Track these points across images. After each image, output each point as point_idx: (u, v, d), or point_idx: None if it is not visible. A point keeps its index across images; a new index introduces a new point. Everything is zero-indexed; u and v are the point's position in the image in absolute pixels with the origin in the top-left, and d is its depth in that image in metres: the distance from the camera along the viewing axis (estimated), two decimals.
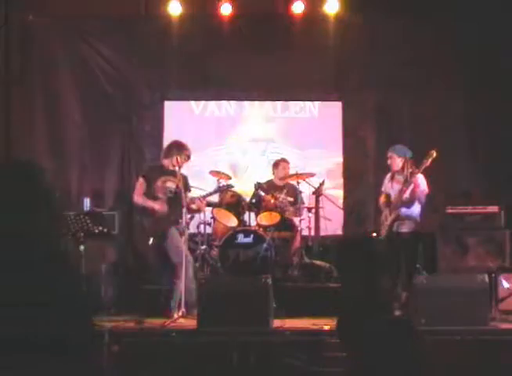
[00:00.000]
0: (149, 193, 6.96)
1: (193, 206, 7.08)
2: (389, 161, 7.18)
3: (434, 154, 6.86)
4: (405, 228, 7.01)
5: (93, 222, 7.01)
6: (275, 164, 8.36)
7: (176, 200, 6.86)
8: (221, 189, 7.61)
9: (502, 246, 7.17)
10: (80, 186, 8.85)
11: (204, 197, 7.20)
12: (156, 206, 6.87)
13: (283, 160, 8.39)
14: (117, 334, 5.87)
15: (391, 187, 7.22)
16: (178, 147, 7.01)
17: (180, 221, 6.81)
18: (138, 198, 6.97)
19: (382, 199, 7.28)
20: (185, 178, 7.06)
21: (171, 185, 6.94)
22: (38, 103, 8.97)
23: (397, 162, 7.11)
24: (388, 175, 7.30)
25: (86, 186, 8.83)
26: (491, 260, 7.12)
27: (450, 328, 5.94)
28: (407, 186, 6.98)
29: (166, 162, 7.03)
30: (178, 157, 6.90)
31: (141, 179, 7.06)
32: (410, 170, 7.03)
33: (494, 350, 5.78)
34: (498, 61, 8.74)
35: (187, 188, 7.06)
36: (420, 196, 7.05)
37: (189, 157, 7.04)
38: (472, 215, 7.39)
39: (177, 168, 6.90)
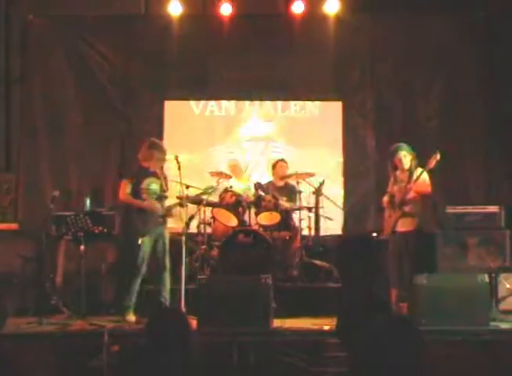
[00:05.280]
0: (134, 195, 6.91)
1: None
2: (402, 161, 7.02)
3: (438, 156, 6.82)
4: (407, 226, 6.98)
5: (93, 222, 7.00)
6: (274, 165, 8.39)
7: (163, 200, 6.93)
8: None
9: (503, 246, 7.16)
10: (80, 186, 8.84)
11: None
12: (144, 204, 6.86)
13: (281, 160, 8.41)
14: (117, 334, 5.87)
15: (394, 187, 7.14)
16: (159, 149, 6.99)
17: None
18: (124, 196, 6.92)
19: (386, 199, 7.18)
20: (165, 179, 7.04)
21: (155, 187, 6.92)
22: (38, 103, 8.96)
23: (408, 161, 7.03)
24: (393, 176, 7.20)
25: (86, 186, 8.82)
26: (491, 260, 7.11)
27: (450, 328, 5.95)
28: (411, 185, 6.93)
29: (147, 164, 6.99)
30: (161, 161, 6.93)
31: (125, 180, 7.00)
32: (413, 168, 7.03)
33: (494, 350, 5.78)
34: (498, 61, 8.75)
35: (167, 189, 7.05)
36: (426, 195, 7.04)
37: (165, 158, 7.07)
38: (472, 214, 7.38)
39: (158, 170, 6.92)
